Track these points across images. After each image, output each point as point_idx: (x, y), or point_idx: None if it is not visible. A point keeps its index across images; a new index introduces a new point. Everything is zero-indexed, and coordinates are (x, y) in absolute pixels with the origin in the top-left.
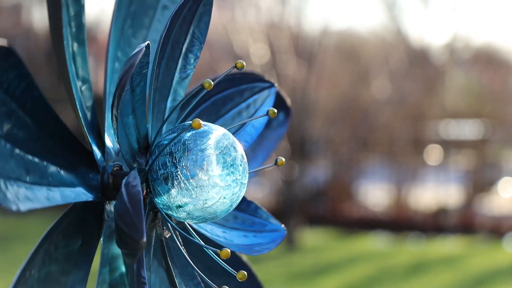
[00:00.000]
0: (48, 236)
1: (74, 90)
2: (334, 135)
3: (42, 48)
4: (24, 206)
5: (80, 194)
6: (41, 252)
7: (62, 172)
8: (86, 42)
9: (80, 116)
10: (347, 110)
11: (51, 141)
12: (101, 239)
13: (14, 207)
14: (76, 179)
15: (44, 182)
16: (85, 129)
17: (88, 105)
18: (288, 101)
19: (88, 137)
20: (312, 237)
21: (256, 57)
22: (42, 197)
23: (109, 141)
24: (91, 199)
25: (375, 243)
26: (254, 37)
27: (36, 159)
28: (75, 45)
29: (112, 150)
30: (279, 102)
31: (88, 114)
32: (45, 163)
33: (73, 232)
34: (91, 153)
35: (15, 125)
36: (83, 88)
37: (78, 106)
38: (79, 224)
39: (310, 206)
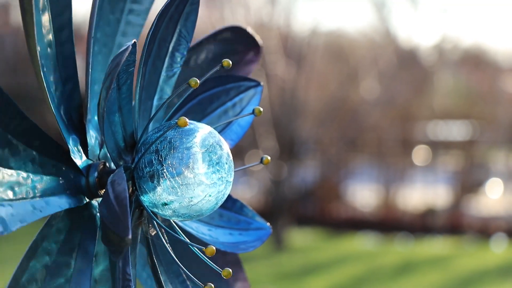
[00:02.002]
0: (43, 236)
1: (47, 91)
2: (323, 135)
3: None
4: (13, 227)
5: (64, 201)
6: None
7: (44, 180)
8: (71, 41)
9: (57, 118)
10: (336, 110)
11: (29, 149)
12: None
13: (1, 229)
14: (59, 185)
15: (28, 196)
16: (62, 131)
17: (73, 104)
18: (258, 38)
19: (68, 138)
20: (301, 237)
21: None
22: (28, 212)
23: (92, 139)
24: (77, 205)
25: (363, 243)
26: None
27: (15, 173)
28: (56, 44)
29: (95, 148)
30: (248, 41)
31: (73, 115)
32: (25, 175)
33: (68, 231)
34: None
35: None
36: (67, 87)
37: (52, 107)
38: (72, 223)
39: (298, 206)
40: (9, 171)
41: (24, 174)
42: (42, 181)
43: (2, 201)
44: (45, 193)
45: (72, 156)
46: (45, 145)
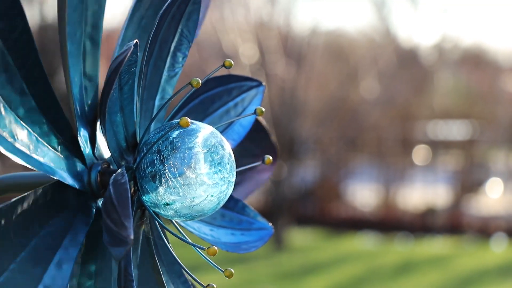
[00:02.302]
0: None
1: (72, 83)
2: (323, 135)
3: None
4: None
5: (67, 178)
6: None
7: (52, 151)
8: (99, 42)
9: (74, 110)
10: (336, 110)
11: (45, 119)
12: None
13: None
14: (64, 163)
15: (31, 151)
16: (76, 121)
17: (89, 102)
18: (276, 145)
19: (78, 130)
20: (300, 237)
21: (245, 57)
22: (24, 151)
23: (100, 139)
24: (77, 186)
25: (363, 243)
26: (243, 37)
27: (24, 128)
28: (88, 43)
29: (102, 149)
30: (267, 146)
31: (88, 112)
32: (35, 137)
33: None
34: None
35: (8, 82)
36: (88, 85)
37: (73, 100)
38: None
39: (298, 206)
40: (20, 122)
41: (34, 136)
42: (49, 150)
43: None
44: (49, 159)
45: (81, 147)
46: (58, 120)
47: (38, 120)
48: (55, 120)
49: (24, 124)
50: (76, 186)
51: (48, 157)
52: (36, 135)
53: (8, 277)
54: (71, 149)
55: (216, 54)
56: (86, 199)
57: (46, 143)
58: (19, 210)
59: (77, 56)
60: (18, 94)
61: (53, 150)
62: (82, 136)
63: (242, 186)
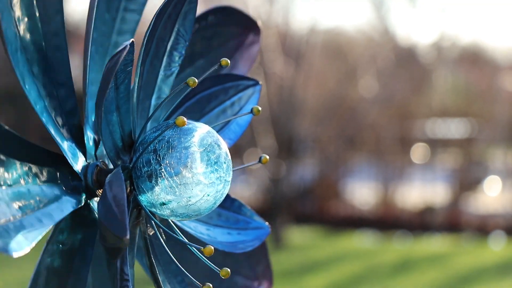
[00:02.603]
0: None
1: (37, 109)
2: (322, 133)
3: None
4: (25, 249)
5: (67, 204)
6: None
7: (43, 189)
8: (65, 47)
9: (47, 125)
10: (335, 108)
11: (23, 162)
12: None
13: (15, 254)
14: (59, 190)
15: (33, 209)
16: (57, 134)
17: (68, 110)
18: (258, 21)
19: (63, 141)
20: (299, 235)
21: None
22: (37, 225)
23: (90, 140)
24: (79, 206)
25: (362, 241)
26: None
27: (16, 189)
28: (51, 50)
29: (91, 148)
30: (247, 22)
31: (71, 120)
32: (24, 189)
33: (71, 231)
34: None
35: None
36: (61, 93)
37: (47, 125)
38: (74, 223)
39: (297, 204)
40: (9, 189)
41: (23, 189)
42: (41, 191)
43: (14, 219)
44: (47, 202)
45: (68, 159)
46: (38, 154)
47: (24, 170)
48: (35, 155)
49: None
50: (78, 206)
51: (48, 201)
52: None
53: None
54: (62, 167)
55: None
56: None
57: (39, 183)
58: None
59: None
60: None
61: (47, 184)
62: (68, 148)
63: (237, 66)
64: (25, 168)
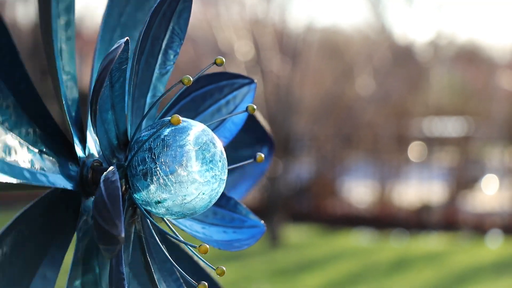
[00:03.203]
0: (15, 225)
1: (60, 83)
2: (318, 132)
3: (26, 43)
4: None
5: (57, 180)
6: (6, 242)
7: (43, 157)
8: (73, 38)
9: (65, 109)
10: (331, 107)
11: (34, 125)
12: (76, 234)
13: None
14: (55, 167)
15: (24, 165)
16: (69, 121)
17: (72, 99)
18: (271, 136)
19: (71, 129)
20: (296, 234)
21: (240, 54)
22: (20, 173)
23: (90, 137)
24: (69, 188)
25: (359, 239)
26: (238, 34)
27: (17, 141)
28: (63, 40)
29: (93, 146)
30: (262, 137)
31: (72, 109)
32: (26, 146)
33: (44, 223)
34: (72, 145)
35: None
36: (68, 82)
37: (63, 99)
38: (51, 216)
39: (294, 202)
40: (11, 136)
41: (25, 146)
42: (40, 157)
43: None
44: (41, 168)
45: (74, 147)
46: (48, 126)
47: (26, 129)
48: (45, 124)
49: (14, 134)
50: (69, 187)
51: (39, 163)
52: (27, 144)
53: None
54: (62, 150)
55: (211, 51)
56: (76, 199)
57: (37, 148)
58: (21, 221)
59: (57, 54)
60: (5, 107)
61: (44, 155)
62: (74, 136)
63: (244, 180)
64: (34, 126)
